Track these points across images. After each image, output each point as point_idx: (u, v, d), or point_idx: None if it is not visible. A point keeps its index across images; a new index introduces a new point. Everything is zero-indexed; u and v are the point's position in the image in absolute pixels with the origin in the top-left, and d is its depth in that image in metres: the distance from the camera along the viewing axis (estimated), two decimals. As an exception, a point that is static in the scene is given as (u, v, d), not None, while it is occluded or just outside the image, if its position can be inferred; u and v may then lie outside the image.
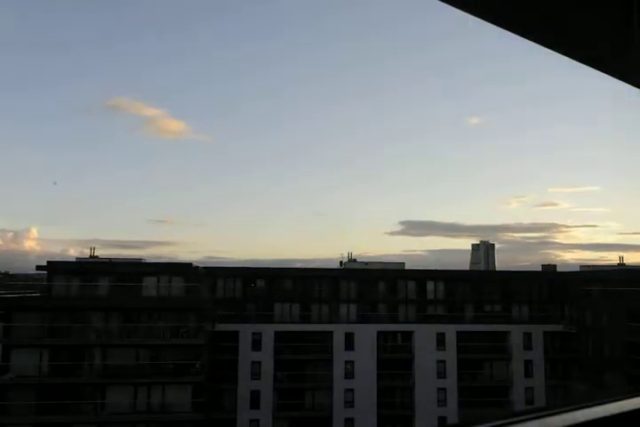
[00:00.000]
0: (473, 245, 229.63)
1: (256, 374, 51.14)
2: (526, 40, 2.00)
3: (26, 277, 69.45)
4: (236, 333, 51.28)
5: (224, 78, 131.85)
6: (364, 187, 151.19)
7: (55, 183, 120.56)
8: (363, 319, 55.50)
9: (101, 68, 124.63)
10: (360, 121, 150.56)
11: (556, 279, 58.61)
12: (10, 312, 42.64)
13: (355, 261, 61.53)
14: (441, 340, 53.72)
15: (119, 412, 42.07)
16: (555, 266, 63.98)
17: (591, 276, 55.51)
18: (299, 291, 55.97)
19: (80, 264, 49.63)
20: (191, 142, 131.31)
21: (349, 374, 52.43)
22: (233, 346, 50.86)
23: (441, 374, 53.12)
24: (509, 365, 54.31)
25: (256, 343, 51.63)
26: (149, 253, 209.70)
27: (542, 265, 65.21)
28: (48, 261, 47.78)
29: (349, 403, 51.81)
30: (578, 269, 61.12)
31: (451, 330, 53.96)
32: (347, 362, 52.62)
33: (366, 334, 52.95)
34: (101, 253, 54.71)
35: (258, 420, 50.47)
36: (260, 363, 51.29)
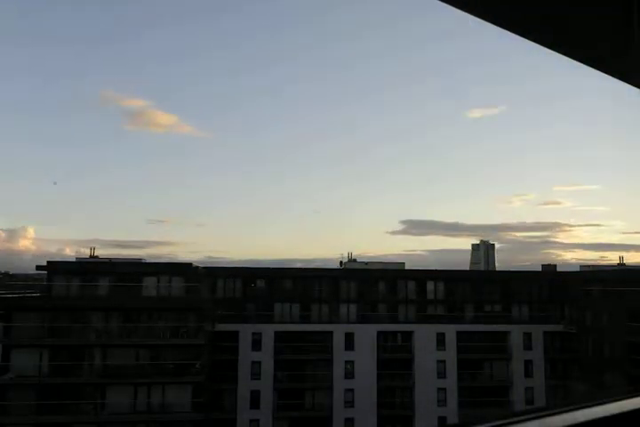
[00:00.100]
0: (473, 245, 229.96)
1: (256, 374, 51.14)
2: (526, 40, 2.00)
3: (26, 277, 69.44)
4: (236, 333, 51.27)
5: (226, 76, 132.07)
6: (364, 186, 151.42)
7: (55, 183, 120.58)
8: (363, 319, 55.50)
9: (100, 65, 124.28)
10: (360, 120, 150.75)
11: (556, 279, 58.60)
12: (10, 312, 42.64)
13: (355, 261, 61.54)
14: (441, 340, 53.71)
15: (119, 412, 42.07)
16: (555, 266, 64.02)
17: (591, 276, 55.52)
18: (299, 291, 55.97)
19: (80, 264, 49.62)
20: (191, 140, 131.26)
21: (349, 374, 52.43)
22: (233, 346, 50.85)
23: (441, 374, 53.12)
24: (509, 365, 54.31)
25: (256, 343, 51.63)
26: (148, 253, 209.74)
27: (542, 265, 65.25)
28: (48, 261, 47.77)
29: (349, 403, 51.81)
30: (578, 269, 61.15)
31: (451, 330, 53.96)
32: (347, 362, 52.62)
33: (366, 334, 52.95)
34: (100, 253, 54.68)
35: (258, 420, 50.47)
36: (259, 363, 51.29)
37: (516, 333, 54.49)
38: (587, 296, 54.01)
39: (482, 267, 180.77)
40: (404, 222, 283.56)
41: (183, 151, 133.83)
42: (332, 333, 53.10)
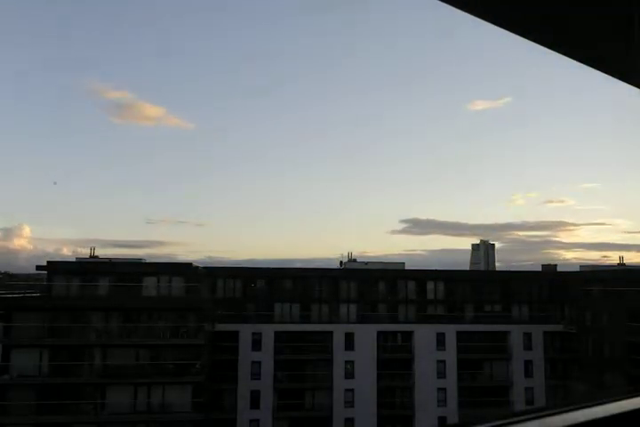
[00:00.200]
0: (473, 245, 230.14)
1: (256, 374, 51.13)
2: (526, 40, 2.00)
3: (27, 276, 69.45)
4: (236, 333, 51.27)
5: (224, 75, 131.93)
6: (364, 185, 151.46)
7: (55, 183, 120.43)
8: (363, 319, 55.51)
9: (85, 58, 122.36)
10: (360, 118, 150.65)
11: (556, 279, 58.61)
12: (10, 312, 42.63)
13: (355, 261, 61.54)
14: (441, 340, 53.70)
15: (119, 412, 42.07)
16: (555, 266, 64.02)
17: (591, 276, 55.52)
18: (299, 291, 55.97)
19: (80, 264, 49.61)
20: (182, 134, 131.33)
21: (349, 374, 52.42)
22: (233, 346, 50.85)
23: (441, 374, 53.12)
24: (509, 365, 54.30)
25: (256, 343, 51.62)
26: (148, 253, 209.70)
27: (542, 265, 65.26)
28: (48, 261, 47.77)
29: (349, 403, 51.81)
30: (578, 269, 61.14)
31: (451, 330, 53.95)
32: (347, 362, 52.61)
33: (366, 334, 52.94)
34: (98, 252, 54.54)
35: (258, 420, 50.48)
36: (260, 363, 51.29)
37: (515, 333, 54.49)
38: (587, 296, 54.01)
39: (482, 267, 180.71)
40: (404, 221, 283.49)
41: (176, 147, 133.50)
42: (331, 333, 53.09)
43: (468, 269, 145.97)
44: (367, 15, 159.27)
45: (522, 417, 1.64)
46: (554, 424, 1.65)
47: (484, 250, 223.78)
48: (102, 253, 59.47)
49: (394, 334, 54.60)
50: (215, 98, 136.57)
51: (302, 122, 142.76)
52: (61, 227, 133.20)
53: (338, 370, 52.32)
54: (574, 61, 2.17)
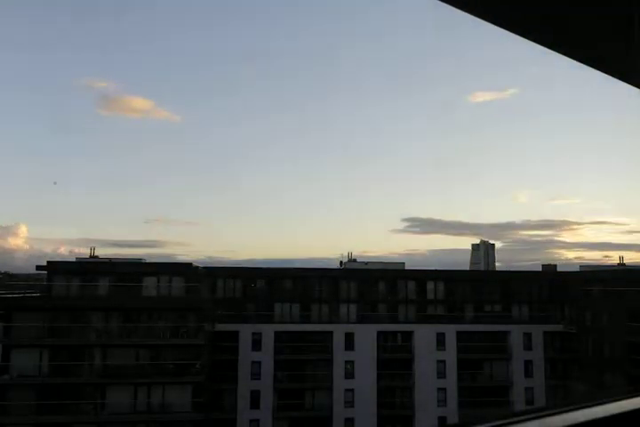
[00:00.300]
0: (473, 245, 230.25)
1: (256, 374, 51.13)
2: (526, 40, 2.00)
3: (27, 277, 69.46)
4: (236, 333, 51.27)
5: (224, 74, 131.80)
6: (366, 184, 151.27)
7: (55, 183, 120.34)
8: (363, 319, 55.51)
9: (73, 51, 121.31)
10: (361, 117, 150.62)
11: (556, 279, 58.62)
12: (10, 312, 42.64)
13: (355, 261, 61.54)
14: (441, 340, 53.70)
15: (119, 412, 42.07)
16: (555, 266, 64.06)
17: (591, 276, 55.52)
18: (299, 291, 55.97)
19: (80, 264, 49.62)
20: (190, 137, 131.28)
21: (349, 374, 52.42)
22: (233, 346, 50.84)
23: (441, 374, 53.12)
24: (509, 365, 54.30)
25: (256, 343, 51.62)
26: (147, 253, 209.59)
27: (542, 265, 65.32)
28: (48, 261, 47.78)
29: (349, 403, 51.81)
30: (578, 269, 61.15)
31: (451, 330, 53.95)
32: (347, 362, 52.61)
33: (366, 334, 52.94)
34: (95, 252, 54.48)
35: (258, 420, 50.48)
36: (259, 363, 51.28)
37: (516, 333, 54.48)
38: (587, 296, 54.01)
39: (482, 267, 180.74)
40: (406, 220, 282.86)
41: (176, 146, 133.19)
42: (331, 333, 53.09)
43: (467, 269, 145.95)
44: (367, 15, 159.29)
45: (522, 417, 1.64)
46: (554, 424, 1.65)
47: (483, 250, 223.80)
48: (101, 252, 59.61)
49: (394, 334, 54.60)
50: (215, 95, 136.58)
51: (302, 120, 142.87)
52: (58, 226, 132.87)
53: (338, 370, 52.32)
54: (574, 61, 2.17)
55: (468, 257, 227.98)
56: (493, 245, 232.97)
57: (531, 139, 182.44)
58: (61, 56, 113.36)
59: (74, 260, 53.38)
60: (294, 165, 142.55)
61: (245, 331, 51.55)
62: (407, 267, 60.83)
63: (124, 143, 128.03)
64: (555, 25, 2.00)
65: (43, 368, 42.05)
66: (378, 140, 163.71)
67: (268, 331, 52.03)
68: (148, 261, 52.78)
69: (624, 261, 59.47)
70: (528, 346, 54.52)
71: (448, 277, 58.21)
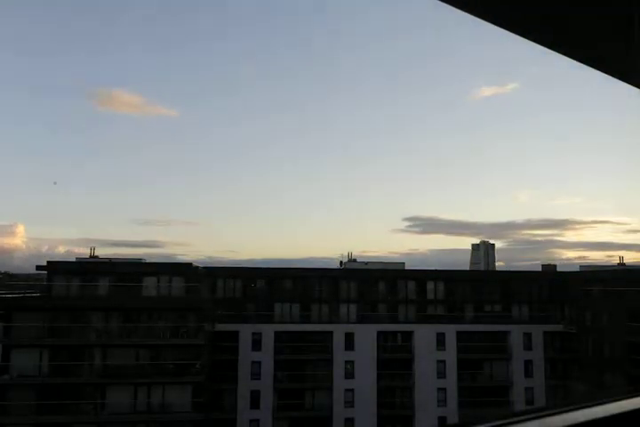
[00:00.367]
0: (473, 245, 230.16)
1: (256, 374, 51.14)
2: (526, 40, 2.00)
3: (27, 276, 69.49)
4: (236, 333, 51.28)
5: (225, 74, 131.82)
6: (366, 184, 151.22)
7: (55, 183, 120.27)
8: (363, 319, 55.51)
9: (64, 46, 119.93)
10: (360, 116, 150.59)
11: (556, 279, 58.64)
12: (10, 312, 42.65)
13: (355, 261, 61.55)
14: (441, 340, 53.71)
15: (119, 412, 42.08)
16: (555, 266, 64.09)
17: (591, 276, 55.53)
18: (299, 291, 55.98)
19: (80, 264, 49.62)
20: (190, 136, 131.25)
21: (349, 374, 52.43)
22: (233, 346, 50.85)
23: (441, 374, 53.12)
24: (509, 365, 54.31)
25: (256, 343, 51.63)
26: (147, 253, 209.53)
27: (542, 265, 65.33)
28: (48, 261, 47.77)
29: (349, 403, 51.81)
30: (578, 269, 61.17)
31: (451, 330, 53.96)
32: (347, 362, 52.62)
33: (366, 334, 52.95)
34: (93, 252, 54.43)
35: (258, 420, 50.48)
36: (259, 363, 51.29)
37: (516, 333, 54.49)
38: (587, 296, 54.02)
39: (482, 267, 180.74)
40: (407, 219, 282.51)
41: (176, 146, 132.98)
42: (331, 333, 53.10)
43: (467, 269, 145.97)
44: (367, 15, 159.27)
45: (522, 417, 1.64)
46: (554, 424, 1.65)
47: (483, 250, 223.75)
48: (101, 252, 59.54)
49: (394, 334, 54.60)
50: (214, 95, 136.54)
51: (302, 120, 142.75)
52: (58, 226, 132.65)
53: (338, 370, 52.33)
54: (574, 61, 2.17)
55: (468, 257, 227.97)
56: (493, 245, 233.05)
57: (531, 138, 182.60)
58: (61, 55, 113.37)
59: (74, 260, 53.39)
60: (294, 165, 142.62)
61: (245, 331, 51.56)
62: (407, 267, 60.87)
63: (124, 143, 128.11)
64: (555, 25, 2.01)
65: (43, 368, 42.05)
66: (378, 140, 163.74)
67: (267, 331, 52.04)
68: (147, 261, 52.80)
69: (624, 261, 59.55)
70: (528, 346, 54.53)
71: (448, 277, 58.23)
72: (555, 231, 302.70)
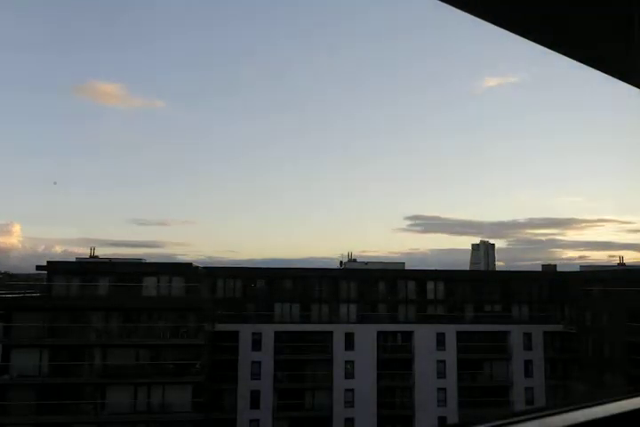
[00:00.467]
0: (473, 245, 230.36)
1: (256, 374, 51.14)
2: (526, 40, 2.00)
3: (27, 276, 69.50)
4: (236, 333, 51.27)
5: (226, 73, 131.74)
6: (367, 183, 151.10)
7: (55, 183, 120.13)
8: (363, 319, 55.51)
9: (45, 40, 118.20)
10: (360, 115, 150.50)
11: (557, 279, 58.64)
12: (10, 312, 42.65)
13: (355, 261, 61.55)
14: (441, 340, 53.70)
15: (119, 412, 42.08)
16: (555, 266, 64.06)
17: (591, 276, 55.54)
18: (299, 291, 55.98)
19: (80, 264, 49.62)
20: (189, 135, 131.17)
21: (349, 374, 52.42)
22: (233, 346, 50.85)
23: (441, 374, 53.12)
24: (509, 365, 54.30)
25: (256, 343, 51.63)
26: (147, 253, 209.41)
27: (542, 265, 65.33)
28: (48, 261, 47.77)
29: (349, 403, 51.81)
30: (578, 269, 61.18)
31: (451, 330, 53.95)
32: (347, 362, 52.61)
33: (366, 334, 52.94)
34: (89, 252, 54.42)
35: (258, 420, 50.48)
36: (259, 363, 51.29)
37: (515, 333, 54.49)
38: (587, 296, 54.02)
39: (482, 267, 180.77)
40: (409, 218, 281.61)
41: (176, 145, 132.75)
42: (331, 333, 53.09)
43: (467, 269, 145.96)
44: (367, 15, 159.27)
45: (522, 417, 1.64)
46: (554, 424, 1.65)
47: (483, 250, 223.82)
48: (100, 252, 59.48)
49: (394, 334, 54.60)
50: (215, 95, 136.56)
51: (302, 120, 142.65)
52: (57, 226, 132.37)
53: (338, 370, 52.32)
54: (574, 61, 2.17)
55: (468, 257, 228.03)
56: (493, 245, 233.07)
57: (531, 138, 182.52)
58: (61, 55, 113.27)
59: (74, 260, 53.39)
60: (294, 165, 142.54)
61: (245, 331, 51.55)
62: (407, 267, 60.89)
63: (124, 143, 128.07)
64: (555, 25, 2.01)
65: (43, 368, 42.05)
66: (378, 140, 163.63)
67: (267, 331, 52.03)
68: (147, 261, 52.80)
69: (624, 261, 59.56)
70: (528, 346, 54.53)
71: (448, 277, 58.22)
72: (556, 231, 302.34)
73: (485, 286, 57.96)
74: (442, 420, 51.30)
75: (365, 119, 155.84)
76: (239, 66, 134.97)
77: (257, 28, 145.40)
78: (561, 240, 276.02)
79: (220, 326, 50.65)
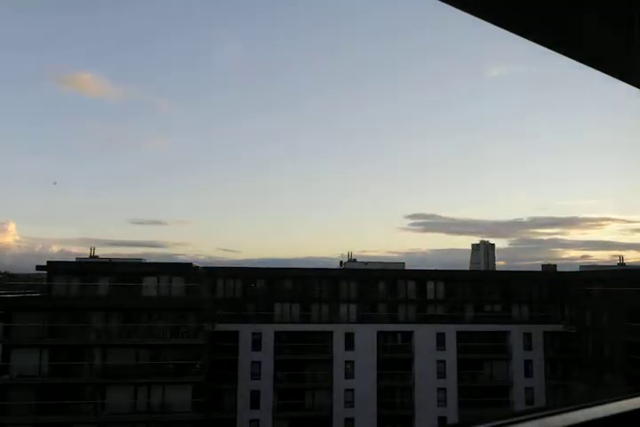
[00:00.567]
0: (473, 245, 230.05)
1: (256, 374, 51.15)
2: (526, 40, 2.00)
3: (27, 276, 69.50)
4: (236, 333, 51.29)
5: (227, 74, 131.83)
6: (367, 183, 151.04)
7: (55, 183, 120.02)
8: (363, 319, 55.52)
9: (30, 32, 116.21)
10: (360, 115, 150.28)
11: (557, 279, 58.65)
12: (10, 312, 42.66)
13: (355, 261, 61.56)
14: (441, 340, 53.72)
15: (119, 412, 42.09)
16: (555, 266, 64.06)
17: (591, 276, 55.54)
18: (299, 291, 55.99)
19: (80, 264, 49.63)
20: (189, 136, 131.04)
21: (349, 374, 52.43)
22: (233, 346, 50.86)
23: (441, 374, 53.13)
24: (509, 365, 54.31)
25: (256, 343, 51.64)
26: (147, 253, 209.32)
27: (542, 265, 65.30)
28: (48, 261, 47.78)
29: (349, 403, 51.82)
30: (578, 269, 61.20)
31: (451, 330, 53.96)
32: (347, 362, 52.63)
33: (366, 334, 52.96)
34: (94, 252, 54.39)
35: (258, 420, 50.49)
36: (259, 363, 51.30)
37: (515, 333, 54.50)
38: (587, 296, 54.03)
39: (482, 267, 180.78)
40: (410, 217, 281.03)
41: (175, 144, 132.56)
42: (331, 333, 53.11)
43: (467, 269, 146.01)
44: (367, 15, 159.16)
45: (522, 417, 1.65)
46: (554, 424, 1.65)
47: (483, 250, 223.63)
48: (100, 252, 59.45)
49: (394, 334, 54.61)
50: (214, 94, 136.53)
51: (302, 120, 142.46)
52: (54, 226, 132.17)
53: (338, 370, 52.33)
54: (574, 61, 2.17)
55: (469, 257, 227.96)
56: (493, 245, 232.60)
57: (531, 138, 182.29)
58: (61, 55, 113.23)
59: (74, 260, 53.40)
60: (294, 164, 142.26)
61: (245, 331, 51.57)
62: (408, 266, 60.88)
63: (124, 144, 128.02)
64: (555, 25, 2.01)
65: (43, 368, 42.06)
66: (378, 139, 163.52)
67: (267, 331, 52.05)
68: (147, 261, 52.81)
69: (627, 261, 59.61)
70: (528, 346, 54.54)
71: (448, 277, 58.23)
72: (558, 230, 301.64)
73: (485, 285, 57.97)
74: (442, 420, 51.32)
75: (365, 119, 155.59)
76: (239, 66, 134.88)
77: (257, 28, 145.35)
78: (563, 240, 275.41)
79: (220, 326, 50.66)
